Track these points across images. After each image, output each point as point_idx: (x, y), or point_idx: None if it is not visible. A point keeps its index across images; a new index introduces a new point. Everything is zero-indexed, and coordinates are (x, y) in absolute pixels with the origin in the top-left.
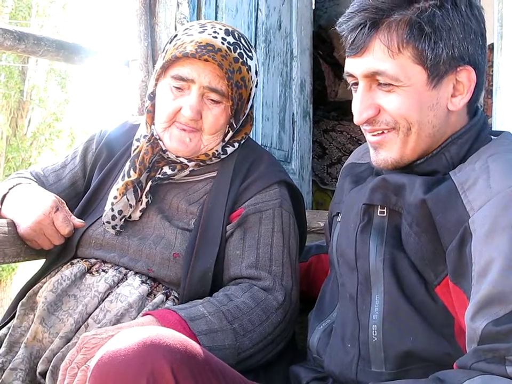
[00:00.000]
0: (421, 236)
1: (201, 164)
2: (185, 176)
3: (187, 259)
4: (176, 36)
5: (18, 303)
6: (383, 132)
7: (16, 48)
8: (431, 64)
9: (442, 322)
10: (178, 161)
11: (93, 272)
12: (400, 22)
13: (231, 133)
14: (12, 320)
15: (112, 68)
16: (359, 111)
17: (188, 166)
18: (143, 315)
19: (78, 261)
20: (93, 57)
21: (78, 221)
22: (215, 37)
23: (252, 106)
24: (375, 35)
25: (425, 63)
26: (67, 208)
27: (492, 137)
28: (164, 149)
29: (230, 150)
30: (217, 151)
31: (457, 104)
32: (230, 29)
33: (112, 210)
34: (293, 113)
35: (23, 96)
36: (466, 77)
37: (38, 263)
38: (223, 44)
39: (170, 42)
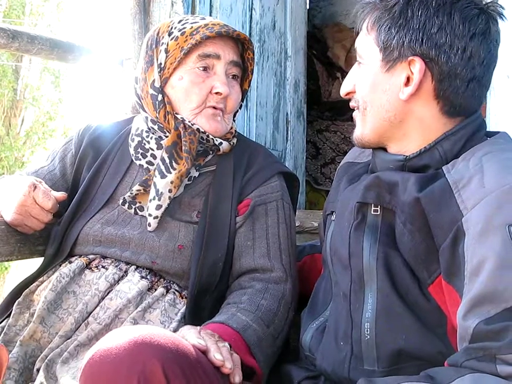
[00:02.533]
0: (414, 234)
1: (231, 142)
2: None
3: (196, 250)
4: (171, 28)
5: (11, 302)
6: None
7: (9, 47)
8: (383, 47)
9: (435, 321)
10: (216, 143)
11: (92, 268)
12: (378, 8)
13: (239, 111)
14: (6, 320)
15: (106, 67)
16: (343, 84)
17: (208, 154)
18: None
19: (76, 258)
20: (87, 56)
21: (58, 194)
22: (223, 22)
23: None
24: (366, 17)
25: (379, 45)
26: (45, 185)
27: (488, 138)
28: (202, 131)
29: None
30: (235, 129)
31: (405, 93)
32: None
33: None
34: (287, 113)
35: (17, 95)
36: (416, 69)
37: (32, 263)
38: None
39: (169, 35)
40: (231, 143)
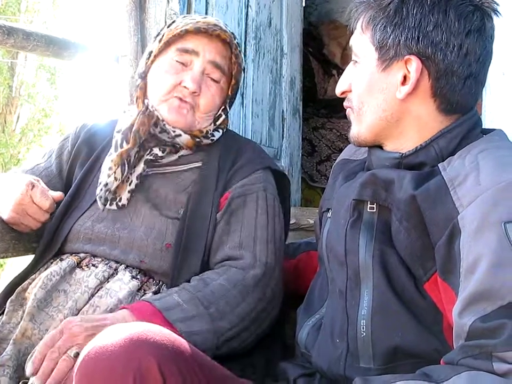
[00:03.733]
0: (410, 231)
1: (196, 139)
2: (171, 165)
3: (176, 249)
4: (173, 22)
5: (4, 300)
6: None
7: (5, 43)
8: (379, 46)
9: (431, 318)
10: (173, 134)
11: (83, 267)
12: (372, 7)
13: (223, 117)
14: (0, 317)
15: (102, 64)
16: (338, 83)
17: (179, 149)
18: (120, 309)
19: (67, 256)
20: (82, 53)
21: (56, 193)
22: (219, 22)
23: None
24: (360, 16)
25: (375, 44)
26: (43, 184)
27: (484, 136)
28: (161, 119)
29: (217, 135)
30: (209, 131)
31: (402, 92)
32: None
33: (106, 184)
34: (283, 111)
35: (12, 92)
36: (413, 67)
37: (27, 260)
38: (226, 29)
39: (168, 27)
40: (196, 140)
